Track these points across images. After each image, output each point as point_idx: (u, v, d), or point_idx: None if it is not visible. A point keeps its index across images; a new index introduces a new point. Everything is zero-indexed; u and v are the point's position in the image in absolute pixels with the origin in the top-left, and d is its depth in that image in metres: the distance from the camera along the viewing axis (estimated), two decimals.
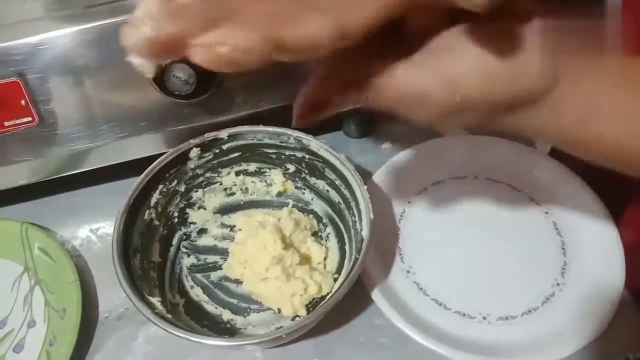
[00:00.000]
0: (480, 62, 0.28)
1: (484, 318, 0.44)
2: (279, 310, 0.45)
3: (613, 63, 0.29)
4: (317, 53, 0.25)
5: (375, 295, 0.44)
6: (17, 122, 0.44)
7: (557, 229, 0.49)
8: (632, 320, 0.43)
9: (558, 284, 0.46)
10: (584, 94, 0.29)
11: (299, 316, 0.44)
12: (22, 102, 0.43)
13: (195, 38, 0.23)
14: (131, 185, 0.45)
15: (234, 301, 0.47)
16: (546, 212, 0.51)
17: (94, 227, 0.53)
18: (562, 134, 0.31)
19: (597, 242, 0.47)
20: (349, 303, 0.44)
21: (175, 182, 0.48)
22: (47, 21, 0.43)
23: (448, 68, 0.28)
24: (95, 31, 0.43)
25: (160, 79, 0.43)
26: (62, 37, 0.42)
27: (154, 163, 0.46)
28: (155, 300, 0.40)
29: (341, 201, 0.47)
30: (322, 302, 0.39)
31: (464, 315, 0.45)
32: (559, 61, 0.28)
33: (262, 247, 0.45)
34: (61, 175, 0.50)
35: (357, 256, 0.40)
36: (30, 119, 0.44)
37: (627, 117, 0.29)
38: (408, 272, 0.47)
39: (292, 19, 0.24)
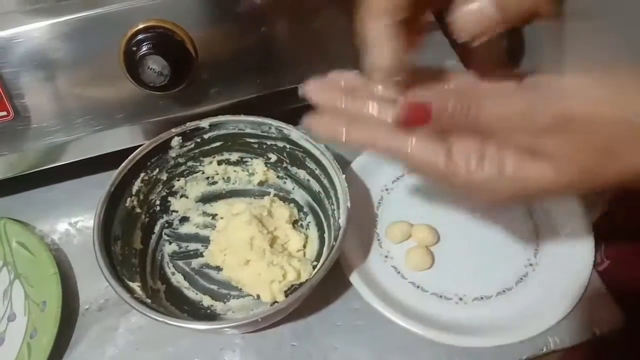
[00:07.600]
0: None
1: (460, 299, 0.45)
2: (258, 296, 0.45)
3: None
4: None
5: (354, 279, 0.45)
6: None
7: (529, 212, 0.51)
8: (599, 299, 0.45)
9: (531, 265, 0.47)
10: None
11: (278, 302, 0.45)
12: None
13: None
14: (110, 178, 0.45)
15: (215, 287, 0.47)
16: None
17: (72, 220, 0.53)
18: None
19: (567, 225, 0.49)
20: (328, 288, 0.45)
21: (157, 170, 0.48)
22: (19, 15, 0.43)
23: None
24: (68, 24, 0.43)
25: (135, 71, 0.44)
26: (35, 30, 0.42)
27: (136, 151, 0.46)
28: (136, 286, 0.41)
29: (321, 190, 0.48)
30: (299, 288, 0.40)
31: (441, 296, 0.46)
32: None
33: (242, 234, 0.45)
34: (38, 169, 0.50)
35: (334, 243, 0.41)
36: (5, 113, 0.44)
37: None
38: (386, 257, 0.48)
39: None
